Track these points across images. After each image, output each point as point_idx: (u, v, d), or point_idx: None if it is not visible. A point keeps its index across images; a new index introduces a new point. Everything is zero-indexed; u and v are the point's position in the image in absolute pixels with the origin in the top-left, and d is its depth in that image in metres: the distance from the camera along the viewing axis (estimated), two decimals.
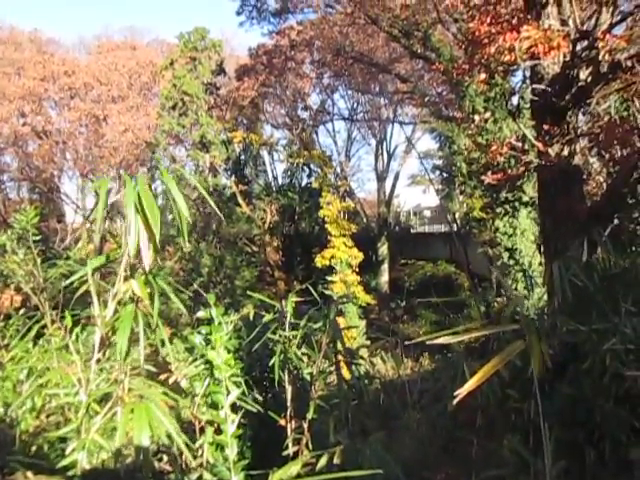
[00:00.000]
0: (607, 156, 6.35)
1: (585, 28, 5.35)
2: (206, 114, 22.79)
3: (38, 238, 4.50)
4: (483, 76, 6.85)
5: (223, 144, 23.50)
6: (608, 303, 2.84)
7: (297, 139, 28.06)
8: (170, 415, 1.89)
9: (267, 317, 3.47)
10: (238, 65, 26.72)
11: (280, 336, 3.16)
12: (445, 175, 26.84)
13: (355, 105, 31.86)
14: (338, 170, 30.22)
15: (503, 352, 2.13)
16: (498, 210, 13.68)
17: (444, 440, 3.58)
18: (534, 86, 5.86)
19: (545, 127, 5.72)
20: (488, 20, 5.51)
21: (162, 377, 2.46)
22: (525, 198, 13.15)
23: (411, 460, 3.51)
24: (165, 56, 26.41)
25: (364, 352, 4.49)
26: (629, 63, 4.82)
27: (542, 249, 7.30)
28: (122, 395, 1.93)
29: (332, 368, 3.13)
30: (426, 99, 21.45)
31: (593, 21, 5.24)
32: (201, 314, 2.47)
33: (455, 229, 25.97)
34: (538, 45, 4.86)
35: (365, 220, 33.01)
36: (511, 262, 13.48)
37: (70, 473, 1.89)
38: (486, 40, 5.40)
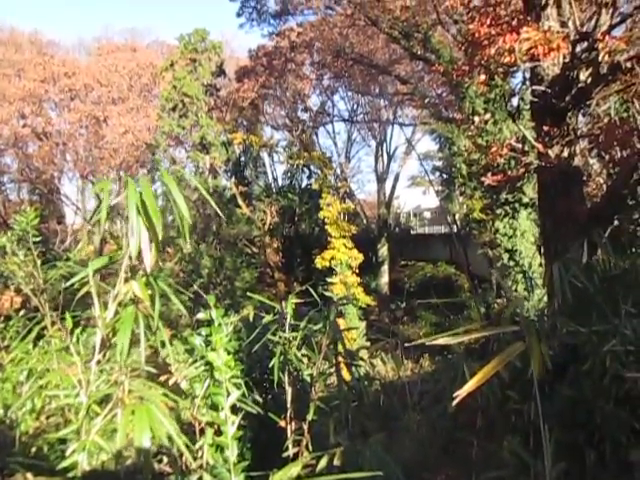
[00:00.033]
0: (607, 157, 6.35)
1: (585, 29, 5.35)
2: (206, 115, 22.81)
3: (38, 239, 4.49)
4: (483, 77, 6.85)
5: (223, 145, 23.51)
6: (608, 304, 2.84)
7: (297, 140, 28.07)
8: (170, 416, 1.89)
9: (267, 318, 3.47)
10: (238, 66, 26.79)
11: (280, 337, 3.16)
12: (445, 176, 26.83)
13: (355, 106, 31.95)
14: (338, 171, 30.28)
15: (503, 353, 2.13)
16: (498, 211, 13.68)
17: (444, 441, 3.58)
18: (534, 87, 5.86)
19: (545, 128, 5.72)
20: (488, 21, 5.52)
21: (162, 378, 2.46)
22: (525, 199, 13.15)
23: (411, 461, 3.50)
24: (165, 58, 26.43)
25: (364, 353, 4.50)
26: (629, 64, 4.83)
27: (542, 250, 7.32)
28: (122, 396, 1.93)
29: (332, 369, 3.12)
30: (426, 100, 21.47)
31: (593, 22, 5.25)
32: (201, 315, 2.47)
33: (455, 230, 25.98)
34: (538, 46, 4.87)
35: (365, 221, 33.02)
36: (511, 263, 13.47)
37: (70, 474, 1.88)
38: (486, 41, 5.41)
